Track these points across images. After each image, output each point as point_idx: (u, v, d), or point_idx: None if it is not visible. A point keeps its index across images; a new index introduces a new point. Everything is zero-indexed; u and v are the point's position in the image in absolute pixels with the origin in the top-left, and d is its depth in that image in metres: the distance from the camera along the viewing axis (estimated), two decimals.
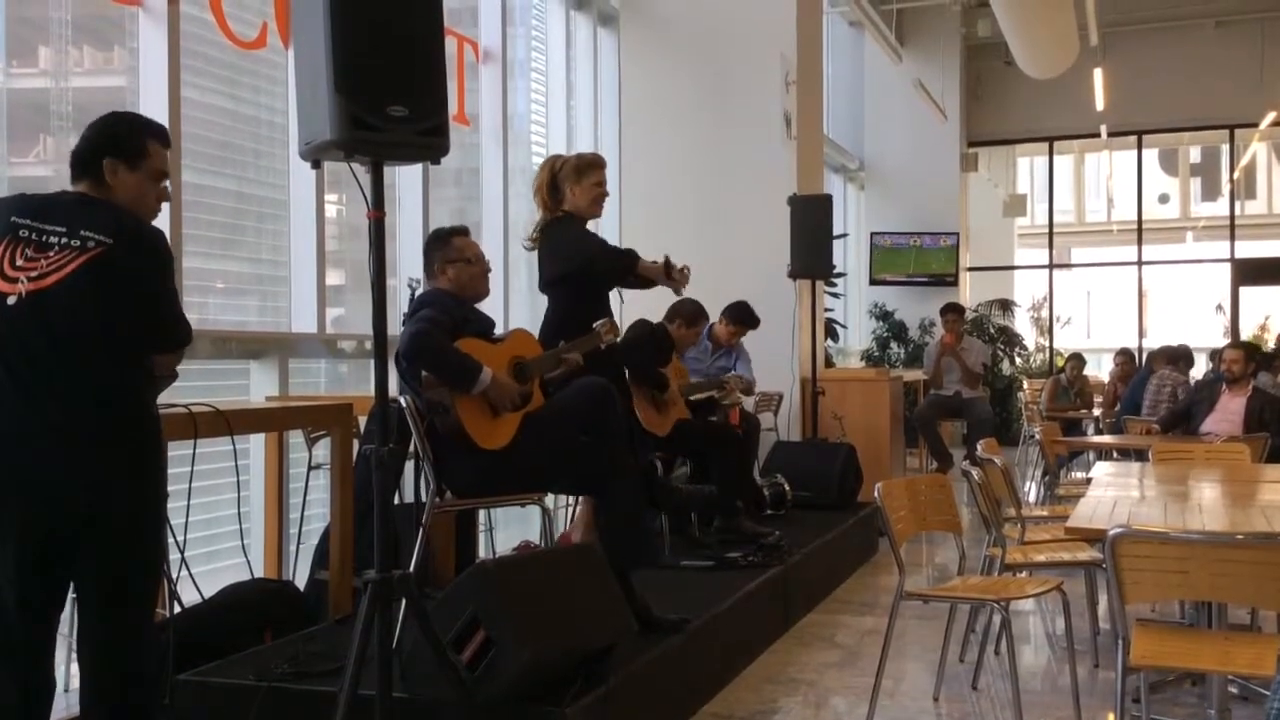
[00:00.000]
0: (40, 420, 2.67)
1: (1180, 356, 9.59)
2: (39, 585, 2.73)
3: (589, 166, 4.66)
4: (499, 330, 4.32)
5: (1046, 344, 15.89)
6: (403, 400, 3.90)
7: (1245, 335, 14.98)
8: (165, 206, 2.99)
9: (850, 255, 13.91)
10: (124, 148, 2.85)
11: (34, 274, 2.70)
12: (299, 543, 4.90)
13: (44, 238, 2.73)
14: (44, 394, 2.67)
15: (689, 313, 6.44)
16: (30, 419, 2.67)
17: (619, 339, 4.59)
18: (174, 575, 3.38)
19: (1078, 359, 11.68)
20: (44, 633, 2.80)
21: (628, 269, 4.69)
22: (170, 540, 3.14)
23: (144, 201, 2.88)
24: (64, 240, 2.72)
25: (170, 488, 3.11)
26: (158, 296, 2.80)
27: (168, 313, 2.84)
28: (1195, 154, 23.84)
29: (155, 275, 2.79)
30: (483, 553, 5.37)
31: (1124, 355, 11.02)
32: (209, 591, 3.89)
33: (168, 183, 2.97)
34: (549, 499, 4.62)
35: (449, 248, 4.15)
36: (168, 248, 2.84)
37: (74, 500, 2.69)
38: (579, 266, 4.57)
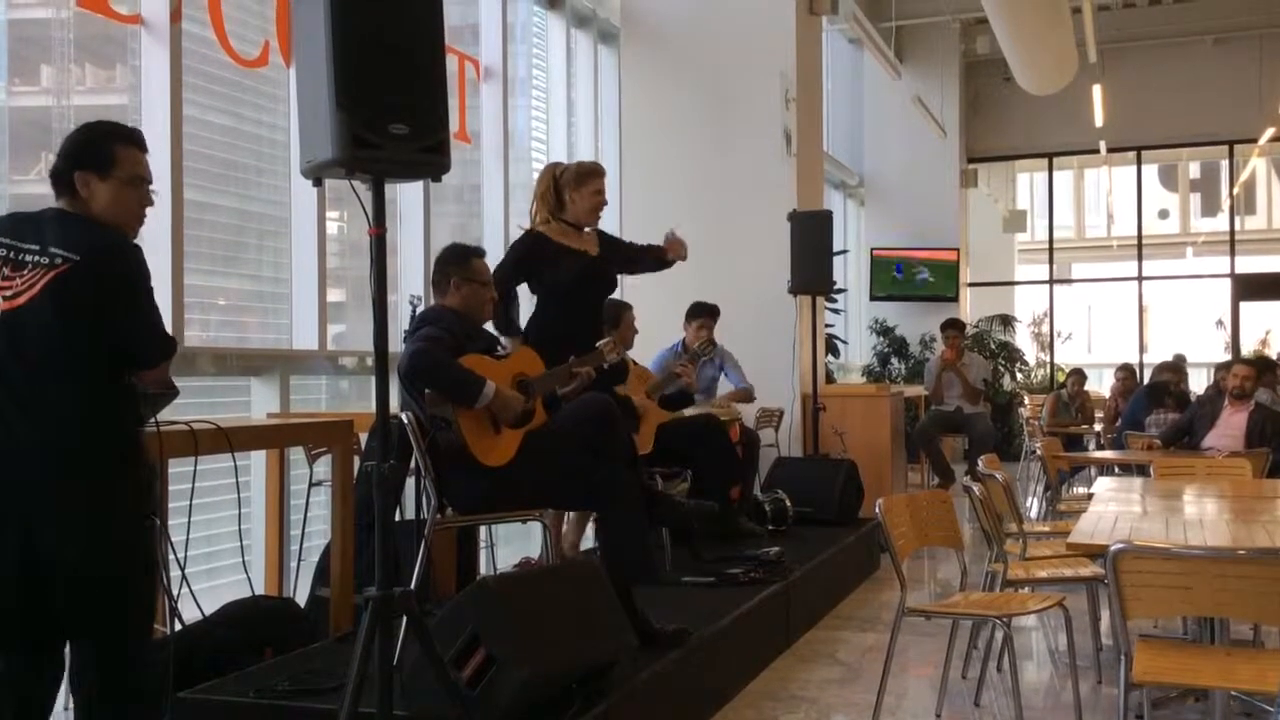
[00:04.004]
0: (13, 442, 2.65)
1: (1175, 368, 9.64)
2: (27, 601, 2.71)
3: (589, 174, 4.81)
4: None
5: (1047, 359, 15.88)
6: (404, 417, 3.90)
7: (1245, 350, 14.98)
8: (165, 219, 2.97)
9: (850, 271, 13.92)
10: (92, 158, 2.81)
11: (9, 293, 2.68)
12: (300, 560, 4.90)
13: (20, 256, 2.71)
14: (17, 415, 2.65)
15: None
16: (4, 441, 2.65)
17: (621, 358, 4.62)
18: (174, 592, 3.37)
19: (1079, 374, 11.67)
20: (38, 649, 2.79)
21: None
22: (170, 557, 3.13)
23: (124, 210, 2.83)
24: (36, 258, 2.69)
25: (171, 504, 3.10)
26: (128, 312, 2.75)
27: (142, 328, 2.78)
28: (1195, 169, 23.89)
29: (125, 291, 2.74)
30: (484, 569, 5.36)
31: (1125, 370, 10.99)
32: (209, 608, 3.88)
33: (153, 187, 2.92)
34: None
35: (468, 267, 4.15)
36: (140, 262, 2.78)
37: (47, 523, 2.66)
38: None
